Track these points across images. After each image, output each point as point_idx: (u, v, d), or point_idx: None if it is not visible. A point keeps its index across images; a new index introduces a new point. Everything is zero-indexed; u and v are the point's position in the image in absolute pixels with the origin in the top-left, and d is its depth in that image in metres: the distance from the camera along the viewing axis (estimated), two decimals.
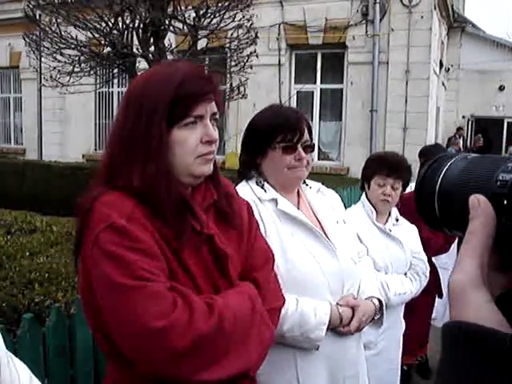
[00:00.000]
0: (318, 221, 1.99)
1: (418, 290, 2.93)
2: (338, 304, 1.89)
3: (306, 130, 1.96)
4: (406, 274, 2.93)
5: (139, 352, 1.24)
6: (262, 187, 1.95)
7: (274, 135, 1.91)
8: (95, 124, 13.88)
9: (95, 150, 13.88)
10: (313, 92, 11.60)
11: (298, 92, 11.55)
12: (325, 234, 1.95)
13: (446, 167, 0.73)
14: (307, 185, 2.10)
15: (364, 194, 2.99)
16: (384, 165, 2.86)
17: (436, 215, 0.72)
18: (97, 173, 1.42)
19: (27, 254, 3.36)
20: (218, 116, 1.43)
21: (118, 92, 13.33)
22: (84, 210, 1.32)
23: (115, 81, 8.94)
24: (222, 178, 1.54)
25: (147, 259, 1.25)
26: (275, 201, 1.92)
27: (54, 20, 7.16)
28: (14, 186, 10.62)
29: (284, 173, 1.94)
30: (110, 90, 13.04)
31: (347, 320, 1.88)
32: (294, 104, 11.49)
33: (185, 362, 1.23)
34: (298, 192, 2.05)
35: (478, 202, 0.62)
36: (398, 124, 10.55)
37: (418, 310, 3.50)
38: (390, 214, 2.97)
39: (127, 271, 1.22)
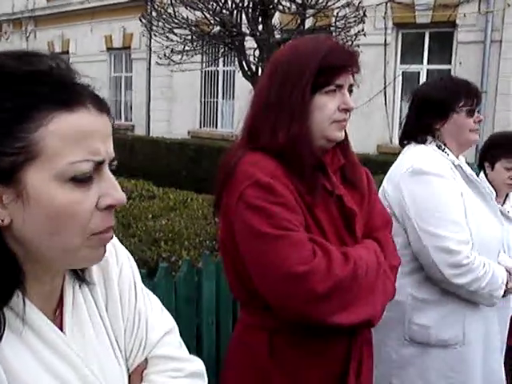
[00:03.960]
0: None
1: None
2: None
3: None
4: None
5: (281, 296, 1.36)
6: (443, 151, 2.11)
7: (458, 100, 2.08)
8: (201, 102, 14.33)
9: (199, 127, 14.37)
10: (419, 72, 11.21)
11: (403, 72, 11.27)
12: None
13: None
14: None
15: (483, 173, 2.85)
16: None
17: None
18: (240, 134, 1.56)
19: (150, 216, 3.63)
20: (353, 87, 1.53)
21: (224, 71, 13.67)
22: (227, 169, 1.46)
23: (221, 60, 9.17)
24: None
25: (289, 212, 1.38)
26: (459, 166, 2.09)
27: (168, 1, 7.44)
28: (124, 160, 11.26)
29: (467, 134, 2.12)
30: (216, 69, 13.40)
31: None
32: (399, 85, 11.24)
33: (321, 305, 1.34)
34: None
35: None
36: (508, 107, 10.02)
37: None
38: (507, 196, 2.86)
39: (272, 222, 1.35)
